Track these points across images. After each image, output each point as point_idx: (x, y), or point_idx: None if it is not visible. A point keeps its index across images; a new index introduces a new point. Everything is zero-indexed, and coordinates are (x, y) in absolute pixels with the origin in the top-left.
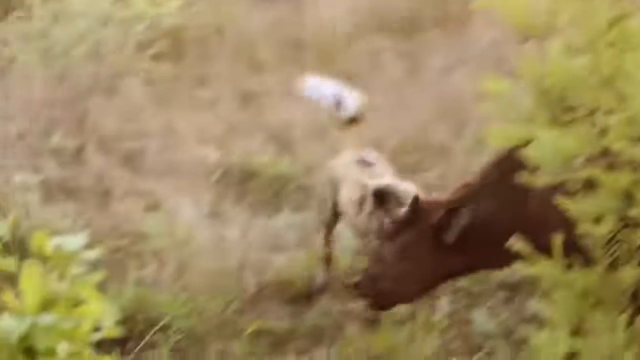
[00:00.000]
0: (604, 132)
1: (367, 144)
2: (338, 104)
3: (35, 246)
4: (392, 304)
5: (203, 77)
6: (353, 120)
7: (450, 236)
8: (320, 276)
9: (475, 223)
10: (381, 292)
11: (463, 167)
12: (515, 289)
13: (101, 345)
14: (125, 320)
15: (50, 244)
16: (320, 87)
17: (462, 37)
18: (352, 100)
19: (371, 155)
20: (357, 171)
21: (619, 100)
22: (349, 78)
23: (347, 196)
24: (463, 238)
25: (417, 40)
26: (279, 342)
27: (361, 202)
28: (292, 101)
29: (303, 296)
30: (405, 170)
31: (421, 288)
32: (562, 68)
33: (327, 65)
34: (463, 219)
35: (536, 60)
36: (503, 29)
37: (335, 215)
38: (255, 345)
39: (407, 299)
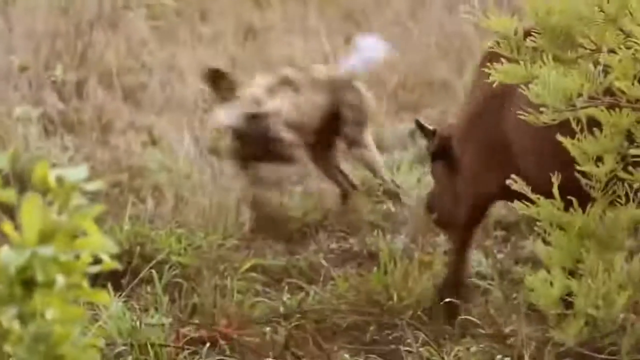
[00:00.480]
0: (607, 70)
1: (369, 81)
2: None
3: (36, 177)
4: (450, 224)
5: (206, 12)
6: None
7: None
8: None
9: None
10: (438, 211)
11: None
12: (512, 229)
13: (97, 279)
14: (122, 254)
15: (51, 176)
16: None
17: None
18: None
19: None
20: None
21: (623, 38)
22: (352, 15)
23: None
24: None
25: None
26: (275, 279)
27: None
28: (295, 37)
29: (299, 234)
30: (407, 107)
31: (458, 210)
32: (567, 5)
33: (329, 1)
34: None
35: None
36: None
37: None
38: (250, 282)
39: (454, 220)
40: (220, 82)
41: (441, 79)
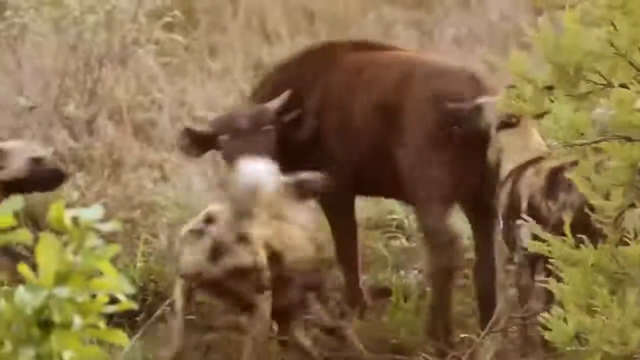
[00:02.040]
0: (618, 104)
1: None
2: None
3: (51, 218)
4: None
5: (215, 47)
6: None
7: None
8: None
9: None
10: None
11: None
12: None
13: (112, 318)
14: (136, 292)
15: (66, 216)
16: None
17: (474, 8)
18: None
19: None
20: None
21: (634, 72)
22: None
23: None
24: None
25: (429, 11)
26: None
27: None
28: None
29: None
30: None
31: None
32: (576, 40)
33: (337, 35)
34: None
35: (551, 33)
36: (514, 1)
37: None
38: None
39: None
40: None
41: None
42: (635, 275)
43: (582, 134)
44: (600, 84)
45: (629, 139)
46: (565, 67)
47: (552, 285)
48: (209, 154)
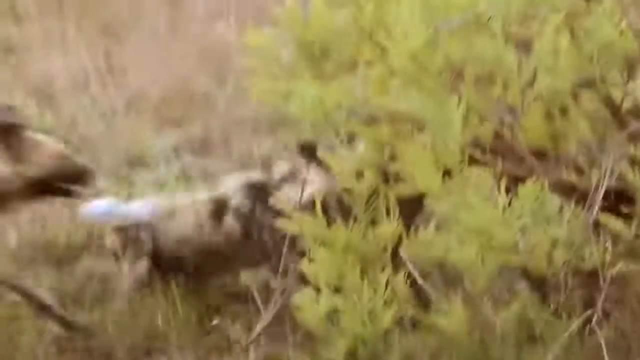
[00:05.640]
0: (365, 84)
1: (130, 96)
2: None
3: None
4: None
5: None
6: None
7: None
8: None
9: None
10: None
11: (227, 117)
12: None
13: None
14: None
15: None
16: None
17: None
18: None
19: None
20: None
21: (379, 53)
22: (110, 29)
23: None
24: None
25: None
26: (44, 305)
27: None
28: (53, 53)
29: (69, 256)
30: (169, 123)
31: None
32: (323, 19)
33: (87, 15)
34: None
35: (297, 12)
36: None
37: None
38: (17, 309)
39: None
40: None
41: (202, 94)
42: (386, 255)
43: (329, 114)
44: (347, 64)
45: (376, 120)
46: (311, 47)
47: (305, 265)
48: None
